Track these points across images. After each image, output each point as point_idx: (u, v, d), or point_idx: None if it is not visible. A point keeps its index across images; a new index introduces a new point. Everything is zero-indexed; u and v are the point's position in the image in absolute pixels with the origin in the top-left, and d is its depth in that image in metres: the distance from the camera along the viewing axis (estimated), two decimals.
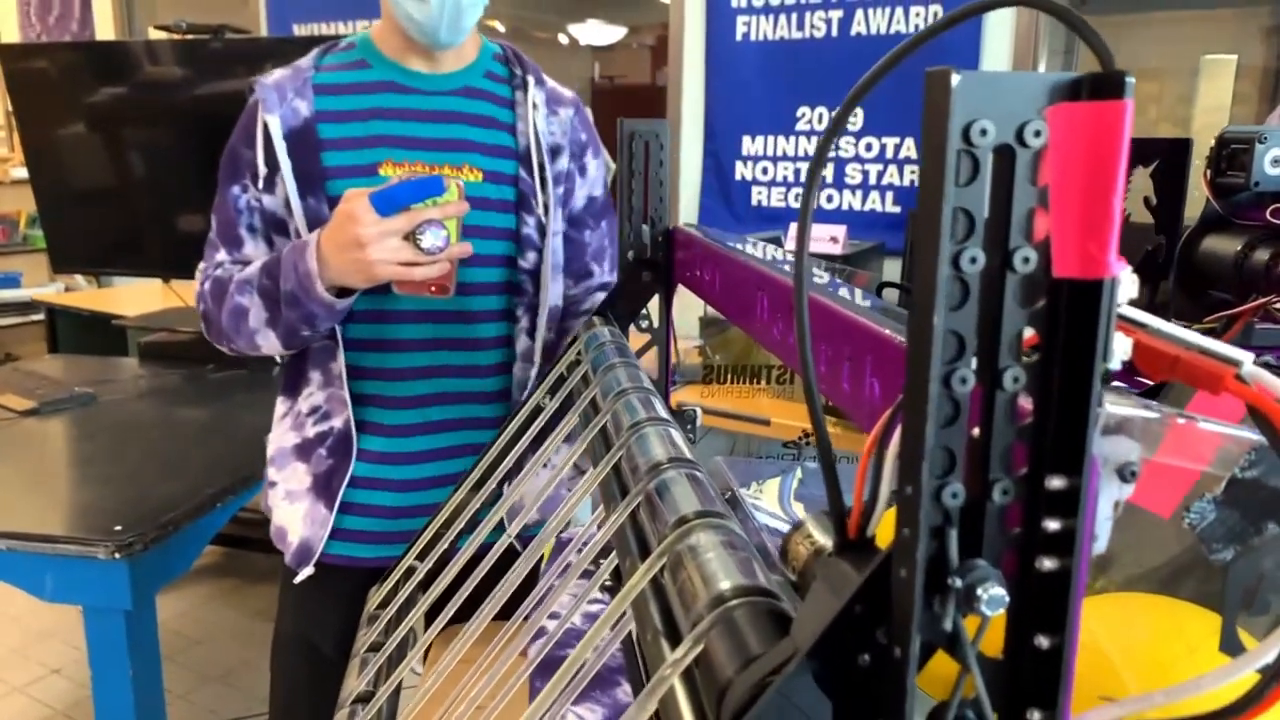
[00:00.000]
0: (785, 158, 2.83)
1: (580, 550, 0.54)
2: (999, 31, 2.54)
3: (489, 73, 1.16)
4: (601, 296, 1.11)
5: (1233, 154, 0.72)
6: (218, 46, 2.50)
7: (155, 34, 2.84)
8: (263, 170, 1.09)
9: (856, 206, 2.76)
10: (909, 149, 2.65)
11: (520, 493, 0.78)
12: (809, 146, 2.81)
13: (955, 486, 0.27)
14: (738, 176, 2.91)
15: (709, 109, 2.91)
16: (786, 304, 0.54)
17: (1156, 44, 4.56)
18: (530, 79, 1.16)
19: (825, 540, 0.32)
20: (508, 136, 1.14)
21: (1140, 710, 0.27)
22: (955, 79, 0.24)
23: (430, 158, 1.10)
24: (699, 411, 0.90)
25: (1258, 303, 0.68)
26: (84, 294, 4.05)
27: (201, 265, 1.17)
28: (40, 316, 3.97)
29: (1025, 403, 0.27)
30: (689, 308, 2.29)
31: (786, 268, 0.59)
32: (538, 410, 0.85)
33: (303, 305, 1.02)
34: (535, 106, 1.13)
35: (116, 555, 1.45)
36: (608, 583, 0.55)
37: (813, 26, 2.72)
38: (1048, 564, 0.27)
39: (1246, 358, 0.27)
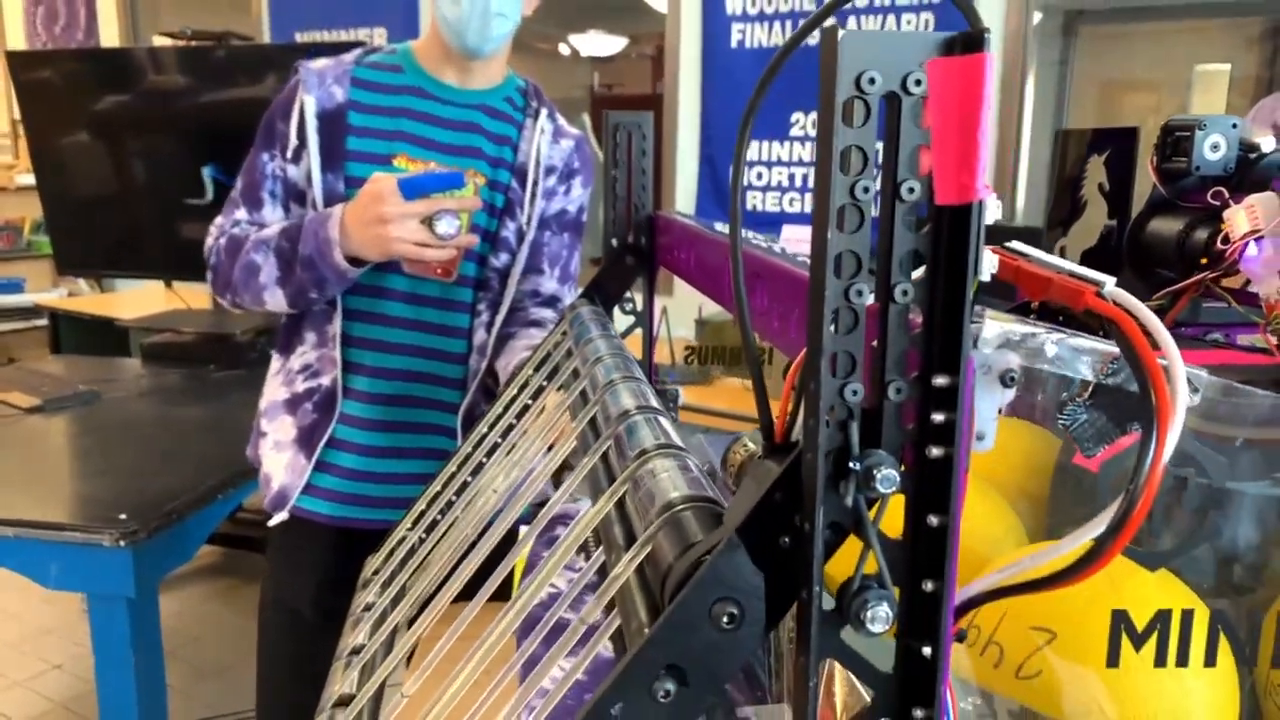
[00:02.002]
0: (780, 162, 2.89)
1: (552, 525, 0.58)
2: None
3: (509, 99, 1.28)
4: (547, 312, 1.26)
5: (1176, 141, 0.76)
6: (221, 54, 2.56)
7: (161, 40, 2.89)
8: (293, 142, 1.20)
9: None
10: None
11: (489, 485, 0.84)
12: (803, 152, 2.86)
13: (855, 385, 0.31)
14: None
15: (705, 114, 2.97)
16: (750, 272, 0.59)
17: (1151, 56, 4.60)
18: (544, 111, 1.28)
19: (757, 447, 0.37)
20: (510, 152, 1.26)
21: (1013, 575, 0.31)
22: (841, 34, 0.28)
23: (441, 159, 1.21)
24: (680, 391, 0.95)
25: (1196, 279, 0.72)
26: (86, 299, 4.11)
27: (219, 220, 1.27)
28: (43, 322, 4.02)
29: (915, 316, 0.32)
30: (686, 309, 2.34)
31: (754, 241, 0.64)
32: (525, 385, 0.90)
33: (317, 269, 1.13)
34: (543, 132, 1.26)
35: (121, 543, 1.49)
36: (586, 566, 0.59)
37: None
38: (936, 451, 0.31)
39: (1109, 280, 0.32)
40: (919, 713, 0.33)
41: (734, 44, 2.91)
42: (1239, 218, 0.68)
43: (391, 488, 1.26)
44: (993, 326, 0.33)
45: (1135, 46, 4.56)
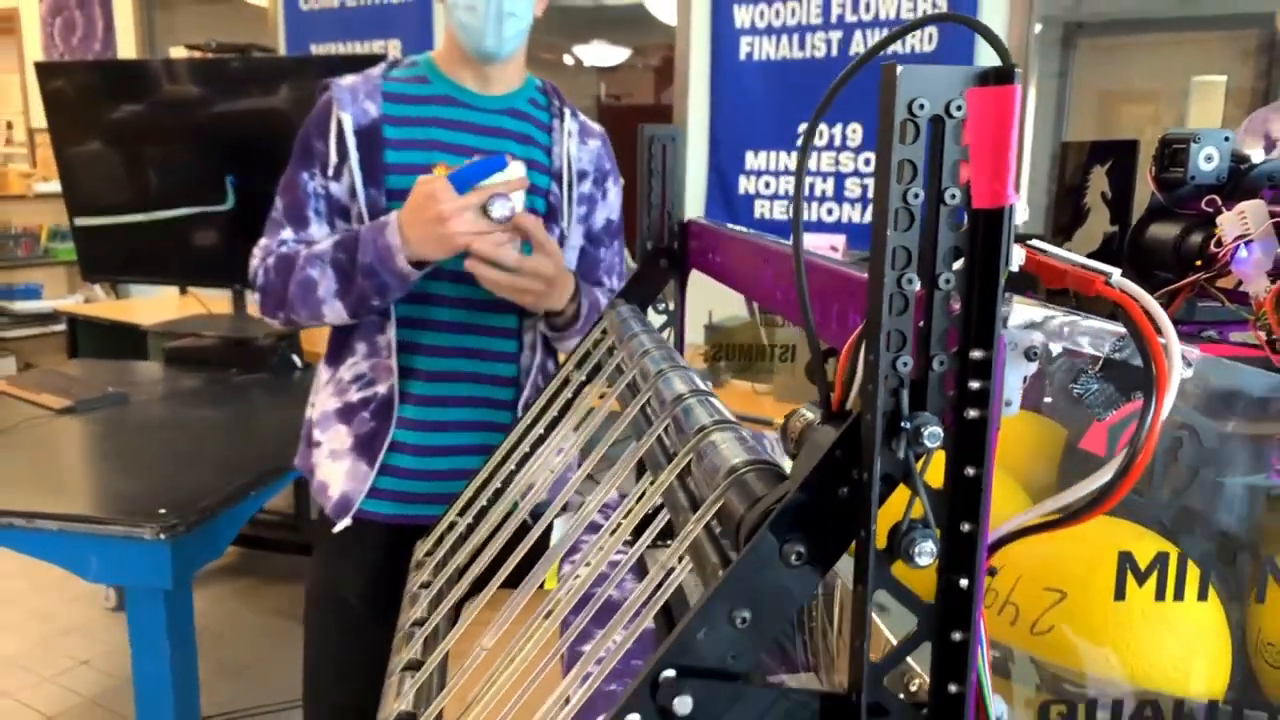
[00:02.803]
0: (787, 172, 2.96)
1: (603, 509, 0.64)
2: (990, 53, 2.67)
3: (532, 100, 1.33)
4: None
5: (1173, 153, 0.83)
6: (237, 65, 2.62)
7: (183, 51, 2.97)
8: (333, 159, 1.23)
9: (856, 219, 2.88)
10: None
11: (534, 475, 0.89)
12: (810, 162, 2.93)
13: (906, 358, 0.38)
14: (740, 190, 3.04)
15: (713, 125, 3.04)
16: (788, 270, 0.65)
17: (1149, 67, 4.67)
18: (567, 111, 1.32)
19: (814, 416, 0.43)
20: (544, 155, 1.30)
21: (1035, 516, 0.38)
22: (900, 69, 0.35)
23: None
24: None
25: (1191, 279, 0.79)
26: (103, 304, 4.17)
27: (263, 242, 1.29)
28: (59, 327, 4.09)
29: (955, 302, 0.38)
30: (696, 314, 2.40)
31: (785, 245, 0.71)
32: (566, 382, 0.96)
33: (379, 276, 1.15)
34: (570, 134, 1.30)
35: (161, 536, 1.54)
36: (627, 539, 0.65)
37: (813, 47, 2.85)
38: (972, 413, 0.38)
39: (1115, 271, 0.38)
40: (957, 635, 0.40)
41: (742, 56, 2.99)
42: (1231, 223, 0.75)
43: (448, 484, 1.30)
44: (1019, 310, 0.39)
45: (1133, 58, 4.63)
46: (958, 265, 0.37)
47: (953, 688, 0.40)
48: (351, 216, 1.25)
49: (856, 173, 2.83)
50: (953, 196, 0.37)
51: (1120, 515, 0.56)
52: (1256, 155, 0.83)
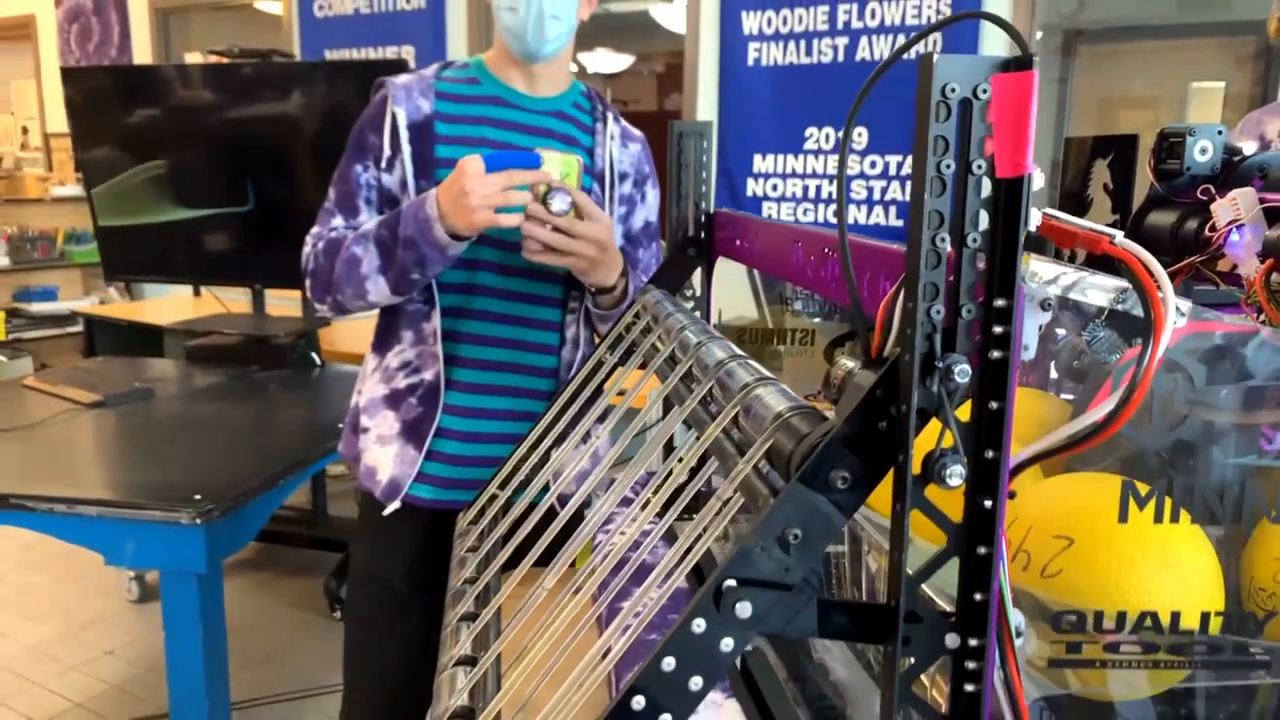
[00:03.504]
0: (794, 175, 3.02)
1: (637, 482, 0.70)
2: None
3: (576, 104, 1.39)
4: None
5: (1170, 146, 0.89)
6: (258, 71, 2.68)
7: (199, 58, 3.04)
8: (387, 152, 1.29)
9: (861, 220, 2.94)
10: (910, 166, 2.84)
11: (563, 461, 0.92)
12: (817, 165, 3.00)
13: (938, 306, 0.44)
14: (749, 193, 3.10)
15: (722, 129, 3.11)
16: (819, 248, 0.72)
17: (1148, 73, 4.73)
18: (610, 115, 1.39)
19: (854, 364, 0.49)
20: (587, 157, 1.35)
21: (1056, 440, 0.44)
22: (936, 57, 0.41)
23: None
24: None
25: (1188, 262, 0.85)
26: (118, 305, 4.24)
27: (315, 230, 1.35)
28: (76, 328, 4.15)
29: (980, 261, 0.44)
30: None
31: (814, 228, 0.77)
32: (600, 365, 1.02)
33: (419, 247, 1.19)
34: (613, 138, 1.36)
35: (198, 520, 1.60)
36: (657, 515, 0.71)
37: (820, 53, 2.92)
38: (995, 354, 0.44)
39: (1118, 233, 0.45)
40: (982, 549, 0.46)
41: (750, 62, 3.05)
42: (1224, 209, 0.81)
43: (490, 470, 1.33)
44: (1035, 266, 0.45)
45: (1132, 64, 4.70)
46: (983, 226, 0.43)
47: (978, 596, 0.46)
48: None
49: (862, 175, 2.90)
50: (979, 167, 0.43)
51: (1120, 463, 0.62)
52: (1248, 148, 0.89)
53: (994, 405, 0.44)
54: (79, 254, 4.69)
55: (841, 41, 2.89)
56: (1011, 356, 0.44)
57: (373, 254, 1.25)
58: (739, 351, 0.69)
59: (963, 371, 0.43)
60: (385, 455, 1.35)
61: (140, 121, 2.84)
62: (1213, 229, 0.83)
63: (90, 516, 1.66)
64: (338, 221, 1.33)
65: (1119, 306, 0.45)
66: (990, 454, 0.45)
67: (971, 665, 0.47)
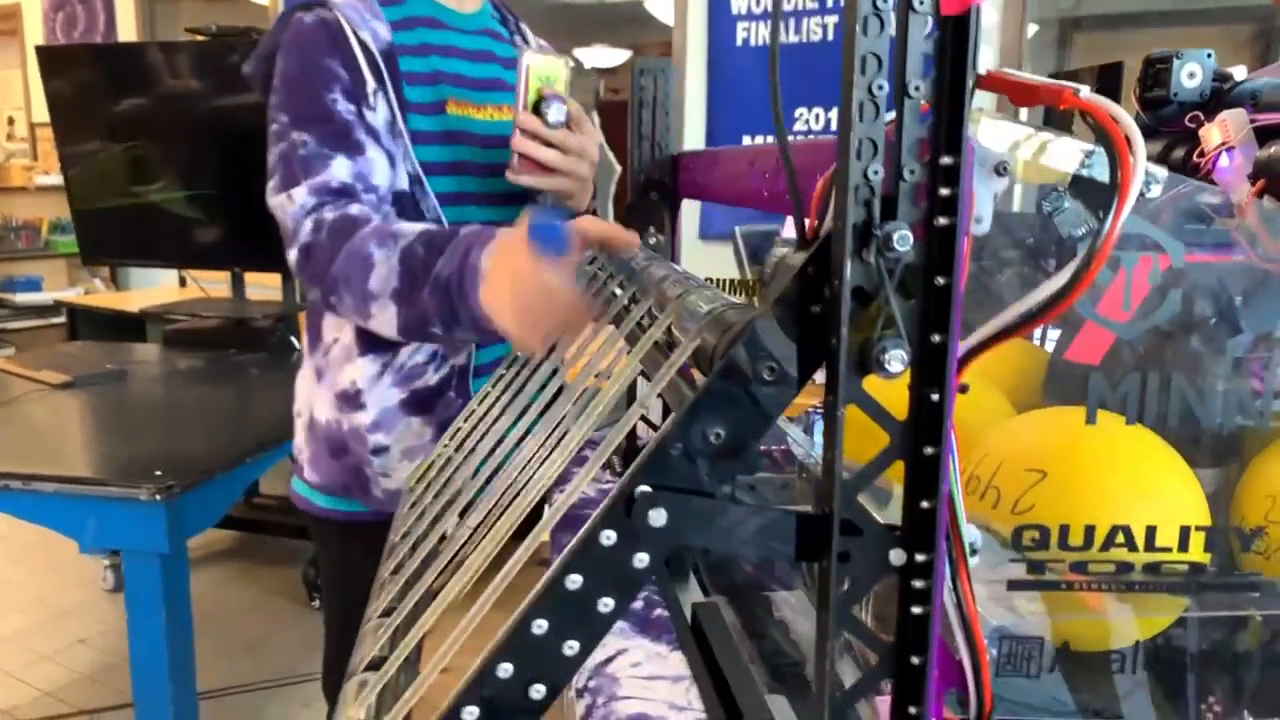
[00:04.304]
0: None
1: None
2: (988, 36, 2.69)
3: (494, 15, 1.22)
4: None
5: (1157, 73, 0.84)
6: (228, 51, 2.62)
7: (184, 36, 2.99)
8: (370, 84, 1.02)
9: None
10: None
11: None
12: None
13: (877, 166, 0.38)
14: None
15: (710, 110, 3.05)
16: (772, 163, 0.66)
17: None
18: (521, 25, 1.23)
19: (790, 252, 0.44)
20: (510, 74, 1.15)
21: (1013, 316, 0.38)
22: None
23: (479, 98, 1.12)
24: None
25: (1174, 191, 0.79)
26: (103, 295, 4.19)
27: (314, 181, 1.00)
28: (60, 319, 4.10)
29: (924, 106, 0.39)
30: None
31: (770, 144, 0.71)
32: None
33: (450, 299, 0.87)
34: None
35: (157, 497, 1.55)
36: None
37: (809, 31, 2.87)
38: (942, 220, 0.38)
39: (1084, 87, 0.39)
40: (929, 450, 0.40)
41: (739, 42, 3.00)
42: (1212, 133, 0.75)
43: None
44: (989, 125, 0.40)
45: (1129, 53, 4.65)
46: (928, 73, 0.38)
47: (924, 504, 0.41)
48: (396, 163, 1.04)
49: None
50: (921, 3, 0.37)
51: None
52: (1238, 74, 0.84)
53: (940, 281, 0.39)
54: (63, 244, 4.64)
55: (830, 20, 2.84)
56: (959, 222, 0.38)
57: (394, 268, 0.91)
58: (679, 273, 0.63)
59: (903, 238, 0.38)
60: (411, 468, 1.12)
61: (117, 101, 2.78)
62: (1200, 155, 0.77)
63: (47, 493, 1.60)
64: (340, 167, 1.00)
65: (1082, 171, 0.40)
66: (937, 338, 0.39)
67: (919, 584, 0.41)
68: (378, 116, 1.03)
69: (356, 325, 1.06)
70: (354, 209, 0.98)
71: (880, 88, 0.38)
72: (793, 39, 2.89)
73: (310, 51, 1.03)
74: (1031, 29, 3.23)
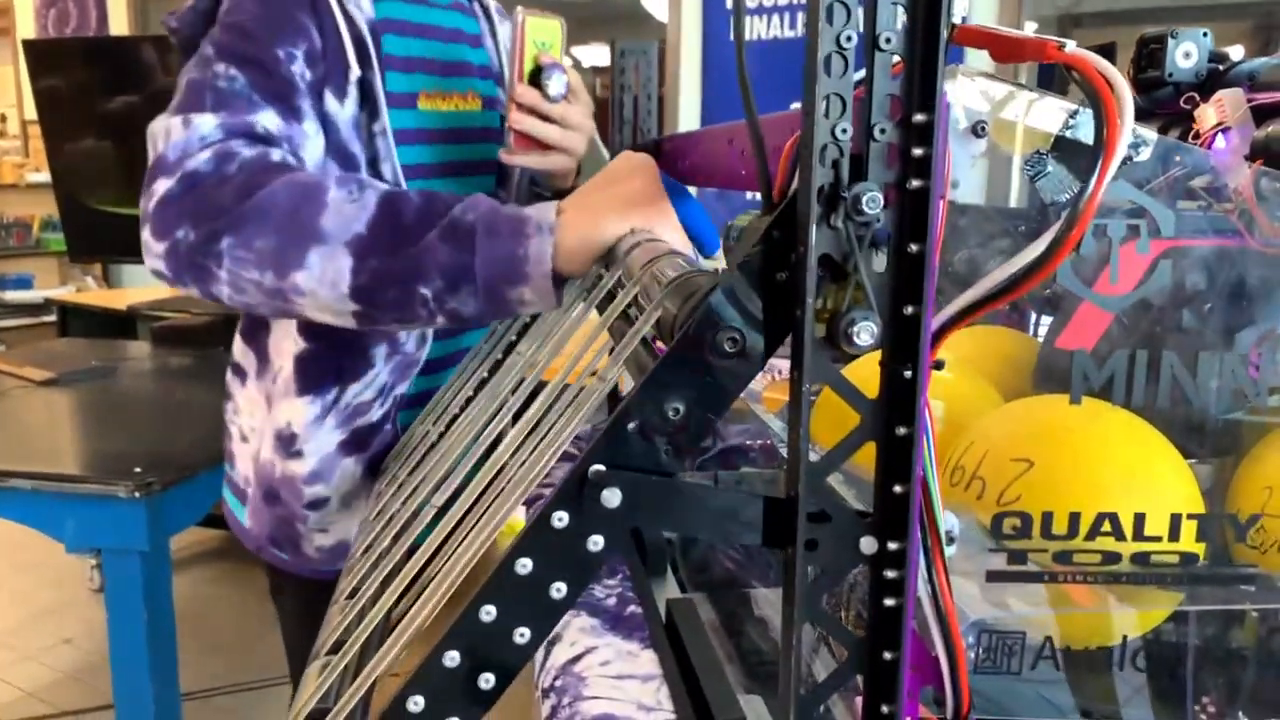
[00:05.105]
0: None
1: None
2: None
3: None
4: None
5: (1151, 53, 0.81)
6: None
7: None
8: (355, 71, 0.85)
9: None
10: None
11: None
12: None
13: (845, 124, 0.36)
14: None
15: (705, 104, 3.03)
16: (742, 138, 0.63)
17: None
18: (491, 4, 1.07)
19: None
20: (485, 54, 1.04)
21: (991, 285, 0.35)
22: None
23: (446, 85, 0.98)
24: None
25: (1170, 175, 0.77)
26: (94, 293, 4.15)
27: (219, 115, 0.77)
28: (51, 318, 4.07)
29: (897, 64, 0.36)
30: None
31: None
32: None
33: (474, 251, 0.68)
34: (496, 25, 1.06)
35: (136, 494, 1.52)
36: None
37: (804, 25, 2.85)
38: (916, 183, 0.36)
39: (1070, 41, 0.36)
40: (902, 430, 0.37)
41: (733, 37, 2.98)
42: (1208, 114, 0.73)
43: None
44: (966, 83, 0.37)
45: (1128, 51, 4.63)
46: (900, 23, 0.35)
47: (897, 488, 0.38)
48: (361, 169, 0.88)
49: None
50: None
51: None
52: (1235, 53, 0.81)
53: (914, 248, 0.36)
54: (55, 242, 4.61)
55: None
56: (934, 185, 0.36)
57: (366, 211, 0.71)
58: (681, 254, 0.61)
59: (873, 200, 0.35)
60: (351, 518, 0.98)
61: (106, 96, 2.75)
62: (1196, 137, 0.75)
63: (25, 491, 1.58)
64: (268, 118, 0.79)
65: (1066, 133, 0.37)
66: (909, 310, 0.37)
67: (891, 574, 0.39)
68: (343, 110, 0.85)
69: (287, 348, 0.92)
70: (277, 154, 0.77)
71: (849, 39, 0.35)
72: (788, 33, 2.87)
73: (273, 5, 0.83)
74: (1031, 26, 3.22)
